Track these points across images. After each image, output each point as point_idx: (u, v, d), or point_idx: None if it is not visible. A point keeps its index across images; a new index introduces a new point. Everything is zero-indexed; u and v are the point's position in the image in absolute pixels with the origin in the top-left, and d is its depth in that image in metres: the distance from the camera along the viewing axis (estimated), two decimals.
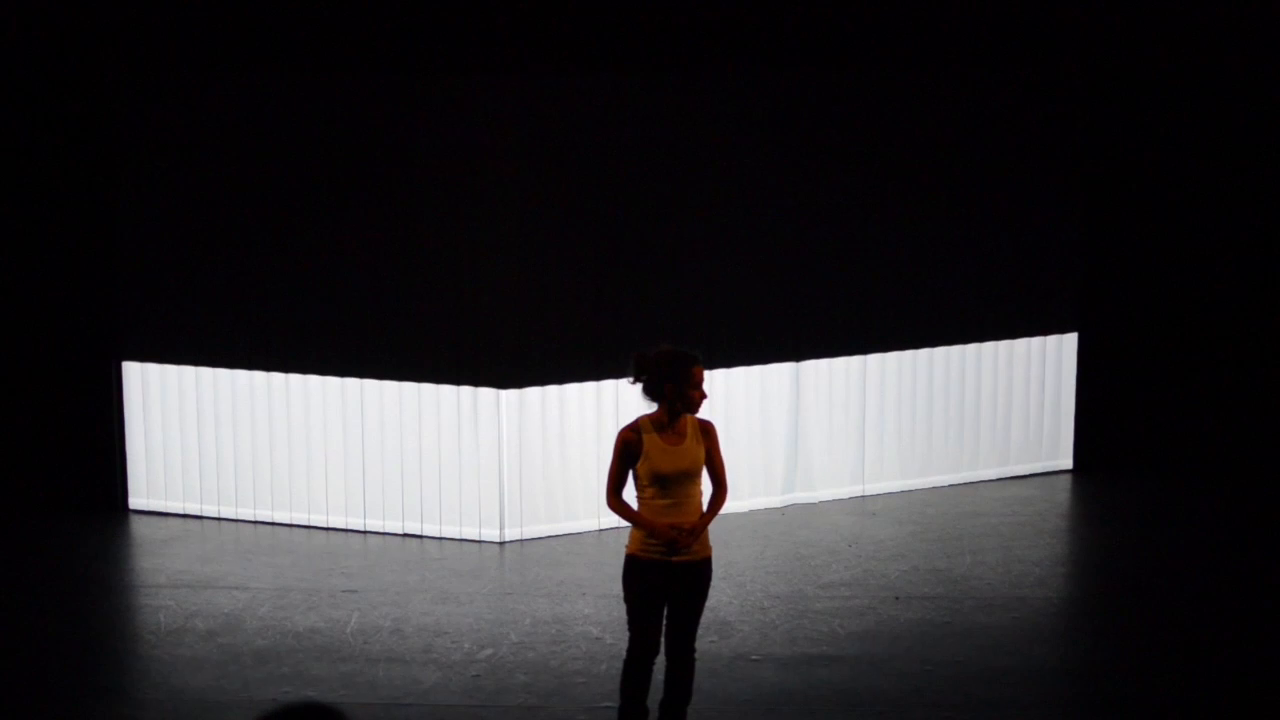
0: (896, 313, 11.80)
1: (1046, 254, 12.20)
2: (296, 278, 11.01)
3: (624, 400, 10.90)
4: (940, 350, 12.02)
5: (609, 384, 11.00)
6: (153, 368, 11.39)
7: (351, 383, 11.04)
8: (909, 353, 11.93)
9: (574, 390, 10.98)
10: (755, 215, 11.29)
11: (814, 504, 11.71)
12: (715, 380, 11.42)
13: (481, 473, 10.89)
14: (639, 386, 7.46)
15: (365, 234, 10.86)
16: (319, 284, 10.98)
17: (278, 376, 11.17)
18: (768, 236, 11.34)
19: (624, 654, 7.62)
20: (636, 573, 7.44)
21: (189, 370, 11.32)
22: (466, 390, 10.84)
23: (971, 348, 12.12)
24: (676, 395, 7.39)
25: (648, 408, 7.50)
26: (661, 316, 10.95)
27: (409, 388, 10.94)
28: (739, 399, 11.47)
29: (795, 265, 11.43)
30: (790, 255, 11.41)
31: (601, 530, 11.01)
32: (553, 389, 10.92)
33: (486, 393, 10.80)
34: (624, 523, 7.64)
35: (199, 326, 11.24)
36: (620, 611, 9.15)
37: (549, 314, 10.84)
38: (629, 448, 7.38)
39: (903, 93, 11.68)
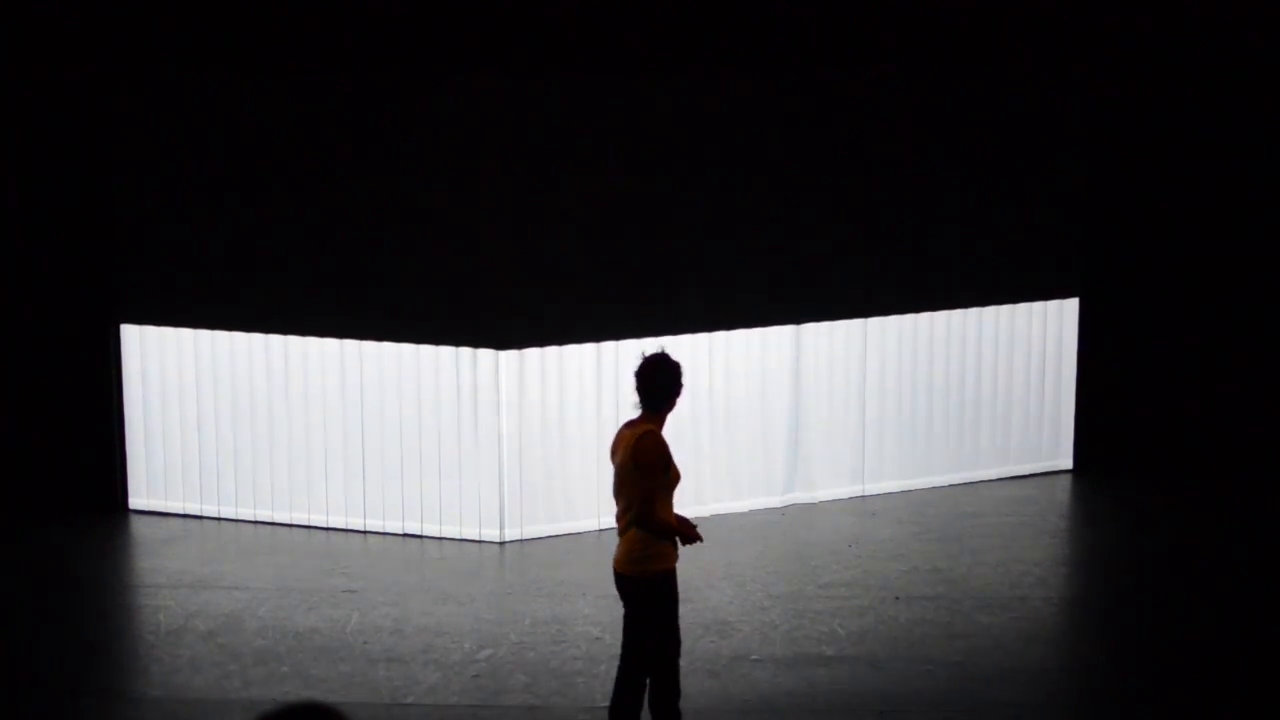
0: (897, 277, 11.75)
1: (1047, 219, 12.15)
2: (296, 240, 10.98)
3: (624, 367, 10.93)
4: (940, 349, 12.01)
5: (609, 346, 10.97)
6: (151, 341, 11.34)
7: (351, 351, 11.00)
8: (909, 353, 11.92)
9: (573, 353, 10.93)
10: (755, 180, 11.25)
11: (814, 504, 11.71)
12: (715, 373, 11.43)
13: (481, 471, 10.88)
14: (645, 394, 7.35)
15: (366, 196, 10.84)
16: (319, 246, 10.95)
17: (276, 350, 11.13)
18: (768, 200, 11.30)
19: (621, 662, 7.59)
20: (672, 584, 7.37)
21: (188, 342, 11.29)
22: (465, 354, 10.78)
23: (972, 344, 12.10)
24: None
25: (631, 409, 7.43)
26: (662, 280, 10.96)
27: (408, 357, 10.90)
28: (739, 399, 11.46)
29: (795, 229, 11.39)
30: (790, 219, 11.37)
31: (601, 530, 11.01)
32: (552, 352, 10.87)
33: (486, 356, 10.76)
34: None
35: (198, 288, 11.21)
36: (620, 611, 9.18)
37: (548, 277, 10.80)
38: (668, 457, 7.29)
39: (899, 63, 11.69)
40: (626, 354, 10.96)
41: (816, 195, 11.45)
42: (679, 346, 11.16)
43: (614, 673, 8.64)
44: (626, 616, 7.48)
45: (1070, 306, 12.35)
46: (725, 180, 11.17)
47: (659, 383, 7.32)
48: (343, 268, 10.93)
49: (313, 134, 10.93)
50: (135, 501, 11.59)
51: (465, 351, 10.80)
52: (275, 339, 11.16)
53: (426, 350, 10.88)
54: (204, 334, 11.27)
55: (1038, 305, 12.31)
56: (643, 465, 7.22)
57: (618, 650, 8.92)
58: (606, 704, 8.27)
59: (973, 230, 11.92)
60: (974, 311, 12.09)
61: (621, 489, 7.33)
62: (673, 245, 11.07)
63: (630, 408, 7.51)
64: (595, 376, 11.01)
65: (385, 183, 10.82)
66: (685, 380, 7.50)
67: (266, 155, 11.02)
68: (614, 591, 9.72)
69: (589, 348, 10.97)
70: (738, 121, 11.19)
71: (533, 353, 10.82)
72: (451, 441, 10.93)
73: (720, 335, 11.35)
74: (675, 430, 11.22)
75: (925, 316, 11.95)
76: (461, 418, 10.88)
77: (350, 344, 11.02)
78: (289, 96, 10.98)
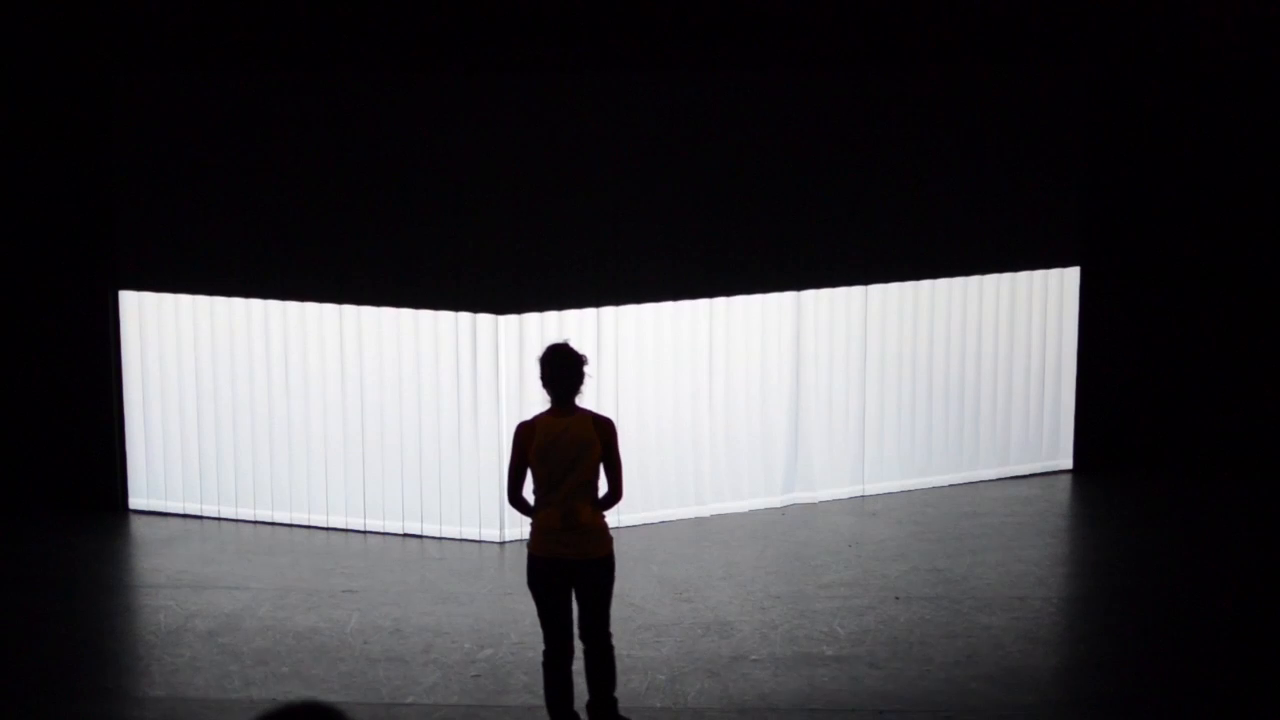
0: (897, 246, 11.69)
1: (1048, 188, 12.07)
2: (294, 205, 10.93)
3: (623, 331, 10.94)
4: (940, 347, 11.98)
5: (609, 311, 10.96)
6: (150, 323, 11.29)
7: (350, 326, 10.95)
8: (909, 347, 11.89)
9: (573, 318, 10.88)
10: (756, 144, 11.21)
11: (814, 504, 11.70)
12: (716, 368, 11.41)
13: (481, 471, 10.87)
14: (565, 385, 7.64)
15: (365, 162, 10.81)
16: (318, 212, 10.90)
17: (276, 328, 11.07)
18: (768, 167, 11.25)
19: (614, 649, 7.87)
20: None
21: (186, 323, 11.23)
22: (465, 323, 10.74)
23: (972, 336, 12.03)
24: None
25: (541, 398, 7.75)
26: (662, 244, 10.95)
27: (407, 333, 10.86)
28: (739, 399, 11.46)
29: (795, 195, 11.33)
30: (790, 186, 11.31)
31: None
32: (551, 317, 10.82)
33: (485, 322, 10.72)
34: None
35: (196, 253, 11.14)
36: (620, 611, 9.19)
37: (547, 243, 10.76)
38: None
39: (903, 39, 11.70)
40: (626, 320, 10.95)
41: (817, 162, 11.38)
42: (678, 319, 11.17)
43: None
44: (591, 602, 7.67)
45: (1070, 298, 12.28)
46: (726, 146, 11.11)
47: (574, 373, 7.59)
48: (342, 232, 10.88)
49: (313, 100, 10.90)
50: (135, 501, 11.58)
51: (465, 321, 10.74)
52: (275, 314, 11.08)
53: (426, 325, 10.82)
54: (203, 316, 11.19)
55: (1038, 292, 12.20)
56: (615, 445, 7.64)
57: (618, 650, 8.91)
58: None
59: (973, 198, 11.84)
60: (974, 300, 12.02)
61: (582, 474, 7.54)
62: (674, 210, 11.02)
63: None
64: (595, 344, 10.93)
65: (384, 147, 10.76)
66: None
67: (266, 121, 10.97)
68: (614, 591, 9.73)
69: (589, 313, 10.92)
70: (738, 93, 11.17)
71: (532, 318, 10.78)
72: (451, 434, 10.90)
73: (720, 332, 11.31)
74: (674, 429, 11.30)
75: (926, 307, 11.86)
76: (461, 395, 10.80)
77: (349, 322, 10.94)
78: (288, 64, 10.95)
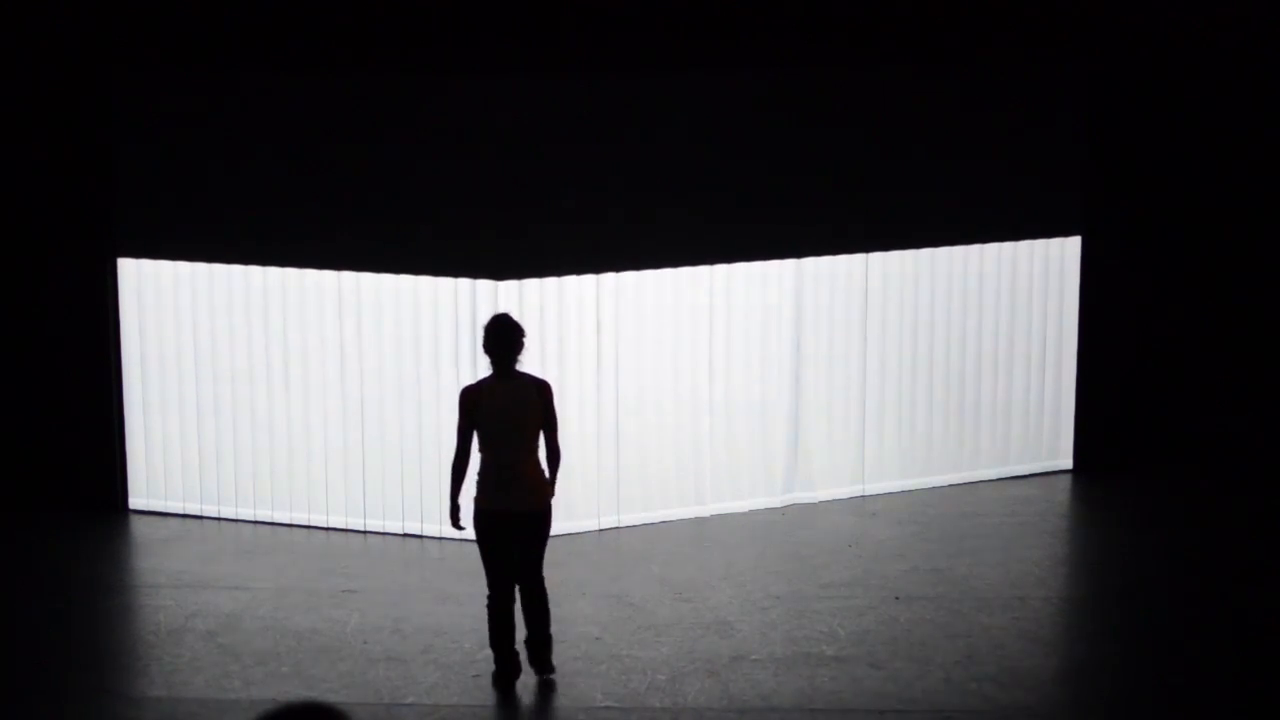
0: (897, 215, 11.64)
1: (1050, 156, 12.01)
2: (290, 172, 10.89)
3: (624, 294, 10.96)
4: (940, 348, 11.95)
5: (609, 277, 10.92)
6: (149, 307, 11.27)
7: (348, 290, 10.91)
8: (909, 351, 11.86)
9: (573, 284, 10.85)
10: (756, 114, 11.18)
11: (814, 504, 11.69)
12: (716, 344, 11.37)
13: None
14: (509, 353, 8.33)
15: (363, 124, 10.78)
16: (315, 179, 10.85)
17: (275, 304, 11.04)
18: (769, 135, 11.21)
19: (547, 591, 8.60)
20: None
21: (185, 295, 11.22)
22: (465, 294, 10.69)
23: (973, 321, 11.97)
24: None
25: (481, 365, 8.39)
26: (662, 210, 10.94)
27: (406, 297, 10.83)
28: (738, 400, 11.45)
29: (797, 163, 11.28)
30: (792, 153, 11.27)
31: (601, 530, 10.99)
32: (551, 285, 10.75)
33: (485, 288, 10.66)
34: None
35: (194, 220, 11.10)
36: (620, 611, 9.18)
37: (547, 209, 10.72)
38: None
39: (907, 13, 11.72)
40: (627, 288, 10.93)
41: (818, 130, 11.32)
42: (679, 289, 11.16)
43: (614, 673, 8.66)
44: (530, 549, 8.43)
45: (1071, 285, 12.24)
46: (727, 116, 11.07)
47: (513, 340, 8.31)
48: (340, 198, 10.82)
49: (311, 68, 10.88)
50: (135, 501, 11.56)
51: (464, 287, 10.67)
52: (274, 289, 11.02)
53: (425, 294, 10.75)
54: (201, 292, 11.15)
55: (1039, 272, 12.09)
56: (552, 405, 8.36)
57: (618, 650, 8.96)
58: (607, 704, 8.30)
59: (974, 167, 11.76)
60: (974, 283, 11.92)
61: (528, 432, 8.29)
62: (675, 176, 10.96)
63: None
64: (595, 315, 10.88)
65: (383, 112, 10.72)
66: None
67: (263, 87, 10.96)
68: (614, 591, 9.77)
69: (589, 281, 10.87)
70: (738, 65, 11.16)
71: (531, 284, 10.72)
72: (451, 427, 10.83)
73: (720, 303, 11.24)
74: (674, 428, 11.29)
75: (926, 285, 11.81)
76: (460, 372, 10.72)
77: (348, 294, 10.88)
78: (288, 35, 10.95)
